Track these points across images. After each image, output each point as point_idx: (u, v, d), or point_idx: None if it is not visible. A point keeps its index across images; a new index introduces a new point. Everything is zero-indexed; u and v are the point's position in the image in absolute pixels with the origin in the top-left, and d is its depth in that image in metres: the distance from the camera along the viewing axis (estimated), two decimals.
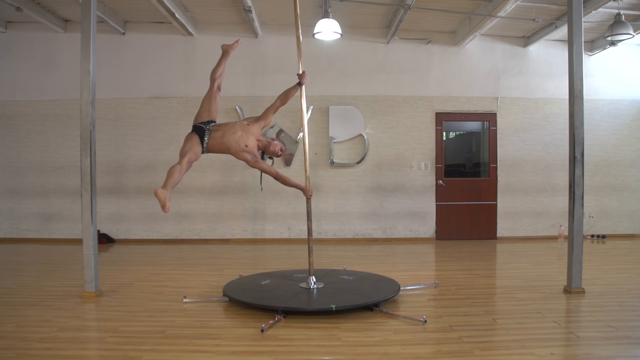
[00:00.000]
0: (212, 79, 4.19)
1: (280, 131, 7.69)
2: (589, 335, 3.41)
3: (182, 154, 3.84)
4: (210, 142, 4.00)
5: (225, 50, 4.29)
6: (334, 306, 3.79)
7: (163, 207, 3.48)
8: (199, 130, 4.01)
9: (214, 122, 4.09)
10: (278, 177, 4.22)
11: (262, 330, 3.45)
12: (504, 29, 7.57)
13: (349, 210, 7.84)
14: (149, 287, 4.84)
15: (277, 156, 4.31)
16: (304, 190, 4.45)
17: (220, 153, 4.13)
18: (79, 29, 4.51)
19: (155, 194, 3.47)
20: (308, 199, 4.51)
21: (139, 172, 7.78)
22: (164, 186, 3.55)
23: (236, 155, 4.09)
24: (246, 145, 4.06)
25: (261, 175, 4.40)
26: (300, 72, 4.47)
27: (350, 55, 7.81)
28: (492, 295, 4.67)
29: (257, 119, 4.28)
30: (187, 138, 4.00)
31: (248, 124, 4.18)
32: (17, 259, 6.59)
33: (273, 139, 4.33)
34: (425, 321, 3.62)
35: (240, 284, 4.56)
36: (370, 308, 3.94)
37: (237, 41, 4.35)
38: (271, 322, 3.60)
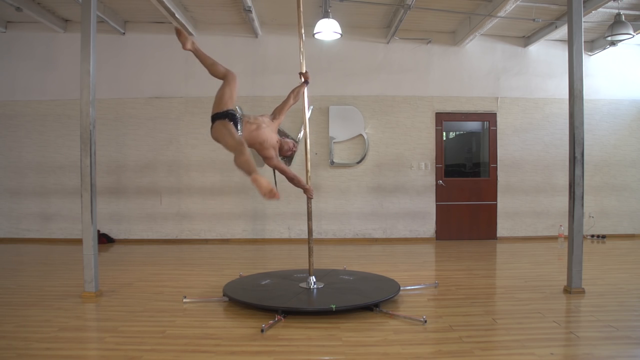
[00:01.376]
0: (222, 72, 3.95)
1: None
2: (589, 335, 3.40)
3: (238, 144, 3.44)
4: (244, 133, 3.78)
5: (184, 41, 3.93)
6: (333, 306, 3.78)
7: (271, 194, 3.07)
8: (232, 117, 3.72)
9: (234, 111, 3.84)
10: (294, 178, 4.19)
11: (262, 330, 3.45)
12: (504, 29, 7.57)
13: (349, 210, 7.84)
14: (149, 287, 4.84)
15: (288, 155, 4.28)
16: (308, 190, 4.43)
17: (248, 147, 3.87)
18: (79, 29, 4.51)
19: (255, 181, 3.09)
20: (309, 199, 4.51)
21: (139, 172, 7.78)
22: (252, 172, 3.19)
23: (265, 150, 3.94)
24: (277, 142, 4.03)
25: (275, 176, 4.34)
26: (304, 70, 4.45)
27: (350, 55, 7.81)
28: (492, 295, 4.67)
29: (275, 117, 4.18)
30: (224, 127, 3.65)
31: (272, 120, 4.10)
32: (17, 259, 6.59)
33: (283, 138, 4.25)
34: (425, 321, 3.62)
35: (240, 284, 4.56)
36: (370, 308, 3.94)
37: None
38: (271, 322, 3.60)
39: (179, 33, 3.86)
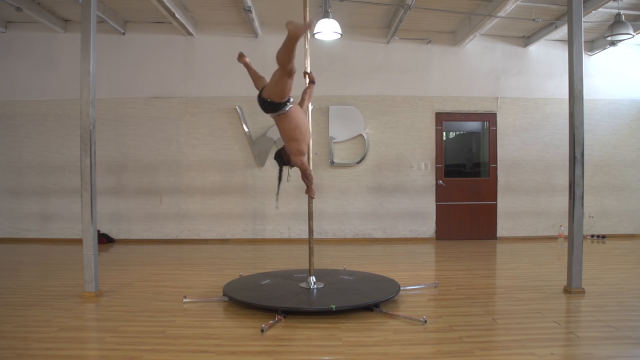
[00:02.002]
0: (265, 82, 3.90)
1: None
2: (589, 335, 3.41)
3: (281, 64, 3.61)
4: (294, 109, 3.78)
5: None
6: (333, 306, 3.78)
7: (305, 27, 3.47)
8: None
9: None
10: (309, 177, 4.21)
11: (262, 330, 3.45)
12: (504, 29, 7.57)
13: (349, 210, 7.84)
14: (149, 287, 4.84)
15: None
16: (311, 190, 4.42)
17: (287, 132, 3.84)
18: (79, 29, 4.51)
19: (291, 23, 3.36)
20: (310, 199, 4.51)
21: (139, 172, 7.78)
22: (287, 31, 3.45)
23: (302, 144, 3.89)
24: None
25: (279, 180, 4.28)
26: (309, 70, 4.43)
27: (350, 55, 7.81)
28: (492, 295, 4.67)
29: None
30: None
31: None
32: (17, 259, 6.59)
33: None
34: (425, 321, 3.62)
35: (240, 284, 4.56)
36: (370, 308, 3.94)
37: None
38: (271, 322, 3.60)
39: (240, 56, 4.28)
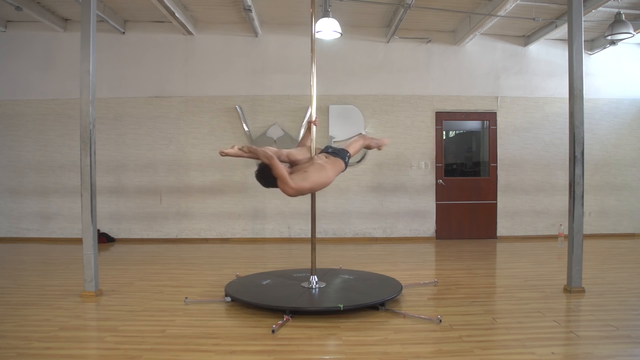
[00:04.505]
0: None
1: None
2: (589, 334, 3.41)
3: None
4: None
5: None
6: (341, 306, 3.78)
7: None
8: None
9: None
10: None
11: (272, 331, 3.43)
12: (504, 28, 7.57)
13: (349, 209, 7.84)
14: (149, 287, 4.84)
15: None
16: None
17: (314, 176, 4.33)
18: (79, 29, 4.51)
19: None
20: (314, 199, 4.53)
21: (139, 172, 7.78)
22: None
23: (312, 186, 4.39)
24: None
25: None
26: (314, 118, 4.49)
27: (350, 54, 7.80)
28: (492, 294, 4.67)
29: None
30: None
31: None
32: (17, 259, 6.59)
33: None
34: (441, 321, 3.61)
35: (241, 284, 4.56)
36: (375, 307, 3.94)
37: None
38: (280, 322, 3.59)
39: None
